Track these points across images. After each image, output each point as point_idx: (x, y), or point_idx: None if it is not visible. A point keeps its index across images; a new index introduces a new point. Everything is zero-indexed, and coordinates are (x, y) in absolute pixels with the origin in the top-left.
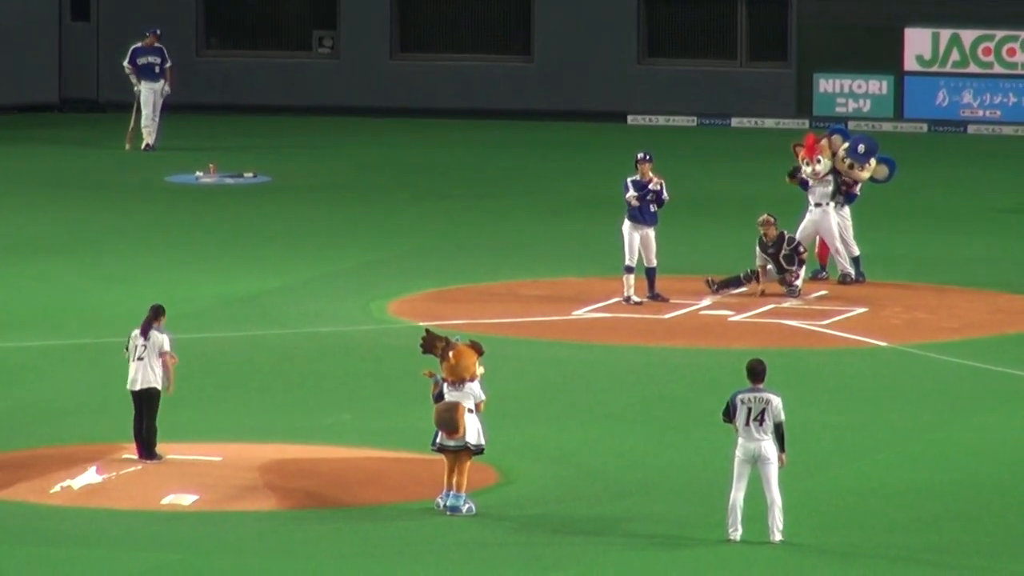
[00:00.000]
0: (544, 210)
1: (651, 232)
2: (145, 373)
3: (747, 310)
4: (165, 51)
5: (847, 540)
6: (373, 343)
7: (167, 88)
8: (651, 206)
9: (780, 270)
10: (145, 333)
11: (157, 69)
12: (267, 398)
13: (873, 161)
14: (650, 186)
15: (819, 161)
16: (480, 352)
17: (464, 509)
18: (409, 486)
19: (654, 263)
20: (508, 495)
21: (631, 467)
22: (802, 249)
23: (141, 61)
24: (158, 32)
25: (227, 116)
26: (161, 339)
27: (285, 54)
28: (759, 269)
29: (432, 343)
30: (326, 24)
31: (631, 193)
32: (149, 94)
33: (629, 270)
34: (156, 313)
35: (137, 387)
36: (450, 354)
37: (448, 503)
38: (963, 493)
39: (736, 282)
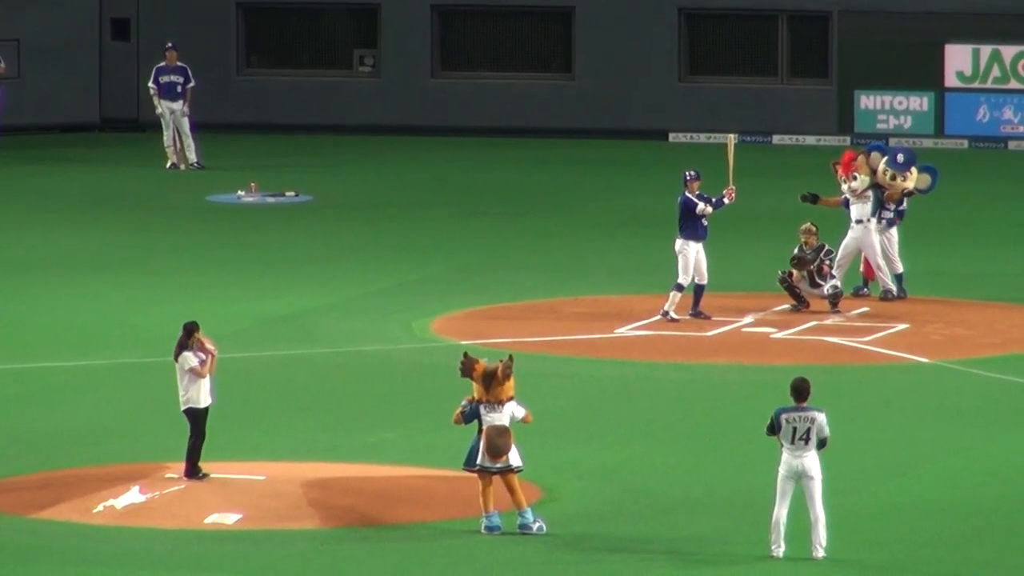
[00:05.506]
0: (586, 228)
1: (702, 247)
2: (182, 394)
3: (789, 327)
4: (189, 71)
5: (890, 556)
6: (415, 361)
7: (185, 109)
8: (704, 220)
9: (812, 283)
10: (176, 355)
11: (179, 88)
12: (309, 417)
13: (914, 170)
14: (726, 200)
15: (855, 178)
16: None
17: (535, 527)
18: (452, 504)
19: (705, 280)
20: (551, 513)
21: (674, 484)
22: (828, 262)
23: (164, 80)
24: (173, 45)
25: (268, 135)
26: (185, 358)
27: (326, 73)
28: (792, 271)
29: (471, 366)
30: (367, 43)
31: (708, 207)
32: (168, 115)
33: (681, 288)
34: (188, 332)
35: (181, 407)
36: (498, 376)
37: (519, 522)
38: (1005, 508)
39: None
